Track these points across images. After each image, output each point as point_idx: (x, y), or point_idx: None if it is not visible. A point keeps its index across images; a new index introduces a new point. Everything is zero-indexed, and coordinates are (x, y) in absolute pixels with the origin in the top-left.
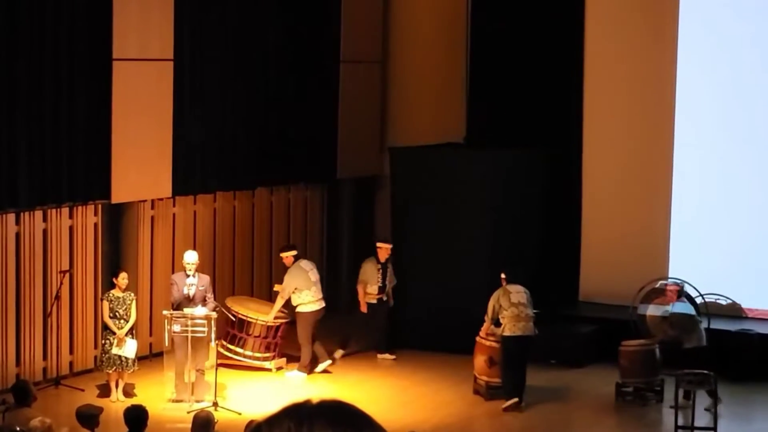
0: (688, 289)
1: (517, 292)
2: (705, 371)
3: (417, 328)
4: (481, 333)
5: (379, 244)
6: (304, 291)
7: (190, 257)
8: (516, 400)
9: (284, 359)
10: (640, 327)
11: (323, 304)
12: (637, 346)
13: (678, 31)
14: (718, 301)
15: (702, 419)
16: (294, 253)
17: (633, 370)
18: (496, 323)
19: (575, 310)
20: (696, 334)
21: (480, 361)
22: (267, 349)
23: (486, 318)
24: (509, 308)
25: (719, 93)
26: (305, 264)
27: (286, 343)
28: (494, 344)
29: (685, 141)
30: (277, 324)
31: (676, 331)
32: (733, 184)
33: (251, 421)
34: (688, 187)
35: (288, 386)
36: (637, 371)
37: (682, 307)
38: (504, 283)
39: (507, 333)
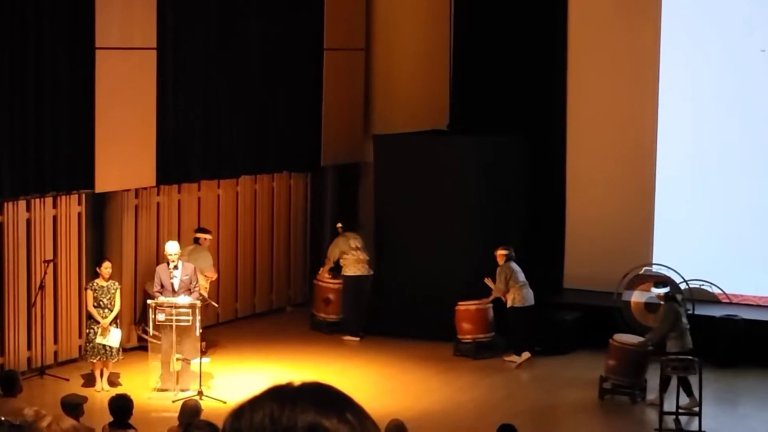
0: (672, 275)
1: (354, 238)
2: (690, 357)
3: (401, 315)
4: (319, 276)
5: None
6: None
7: (172, 248)
8: (358, 338)
9: (203, 343)
10: (625, 313)
11: None
12: (472, 305)
13: (661, 16)
14: (702, 287)
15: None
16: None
17: (471, 329)
18: (335, 268)
19: (560, 297)
20: (515, 295)
21: (318, 300)
22: None
23: (327, 262)
24: (350, 252)
25: (703, 80)
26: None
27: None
28: (330, 285)
29: (669, 128)
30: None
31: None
32: (717, 171)
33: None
34: (671, 174)
35: (273, 375)
36: (474, 329)
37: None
38: (341, 231)
39: (350, 273)
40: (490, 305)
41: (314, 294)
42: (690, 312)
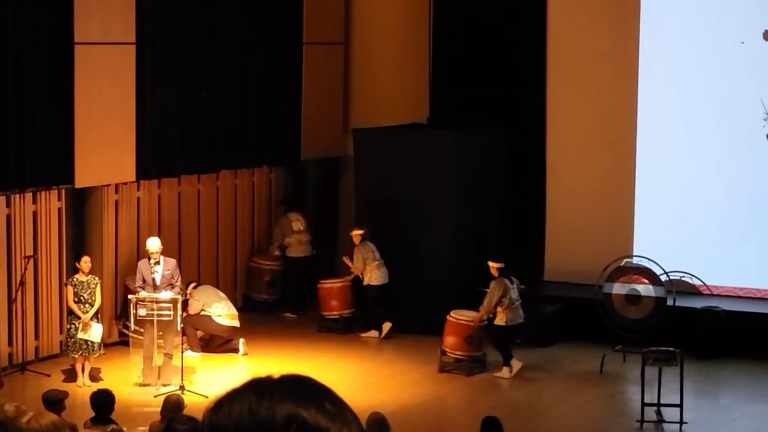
0: (653, 267)
1: (297, 221)
2: (671, 348)
3: (382, 309)
4: (263, 258)
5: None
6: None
7: (153, 245)
8: (296, 316)
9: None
10: (606, 305)
11: None
12: (336, 282)
13: (640, 6)
14: (683, 278)
15: (668, 396)
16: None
17: (338, 305)
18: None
19: (540, 289)
20: (371, 273)
21: (263, 281)
22: None
23: (274, 243)
24: (292, 235)
25: (682, 71)
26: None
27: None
28: (273, 266)
29: (649, 119)
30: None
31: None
32: (697, 162)
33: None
34: (651, 165)
35: (254, 368)
36: (340, 305)
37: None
38: (283, 213)
39: (294, 255)
40: (351, 282)
41: (253, 276)
42: (671, 304)
